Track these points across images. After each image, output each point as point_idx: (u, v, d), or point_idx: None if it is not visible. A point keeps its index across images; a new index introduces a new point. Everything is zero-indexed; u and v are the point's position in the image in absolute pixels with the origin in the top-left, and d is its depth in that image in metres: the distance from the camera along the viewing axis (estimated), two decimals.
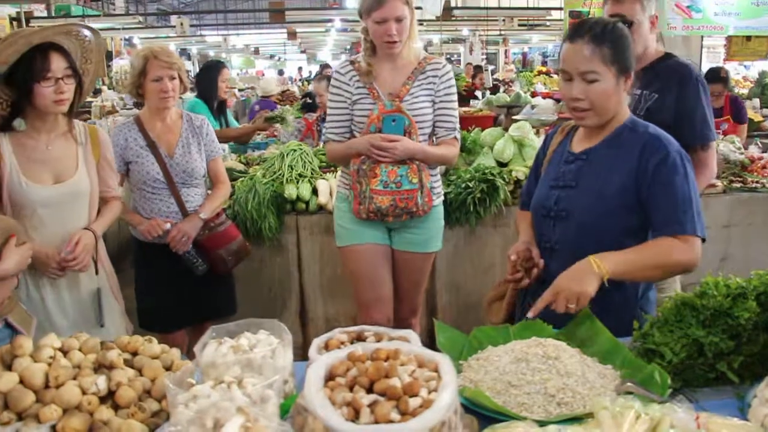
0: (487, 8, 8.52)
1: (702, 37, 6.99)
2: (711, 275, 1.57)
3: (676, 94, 2.44)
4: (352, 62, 2.62)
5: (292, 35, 15.92)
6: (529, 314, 1.64)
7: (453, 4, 12.53)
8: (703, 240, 1.72)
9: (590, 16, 5.81)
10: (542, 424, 1.24)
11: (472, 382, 1.43)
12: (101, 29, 12.44)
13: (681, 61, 2.60)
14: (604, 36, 1.72)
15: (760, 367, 1.46)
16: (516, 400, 1.33)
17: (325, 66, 12.87)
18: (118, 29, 13.06)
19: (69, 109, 2.20)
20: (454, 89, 2.64)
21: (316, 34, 18.51)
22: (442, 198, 2.78)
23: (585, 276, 1.63)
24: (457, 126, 2.66)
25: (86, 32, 2.23)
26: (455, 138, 2.65)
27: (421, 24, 12.54)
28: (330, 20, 13.98)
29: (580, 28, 1.76)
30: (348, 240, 2.67)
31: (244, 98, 11.22)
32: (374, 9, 2.43)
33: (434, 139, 2.70)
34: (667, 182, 1.72)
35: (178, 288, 2.85)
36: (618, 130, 1.82)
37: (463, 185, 3.40)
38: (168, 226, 2.74)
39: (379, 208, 2.51)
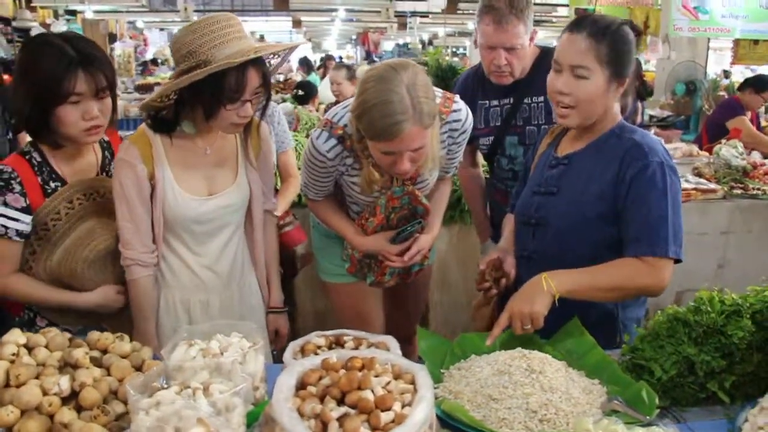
0: None
1: (709, 39, 6.92)
2: (707, 284, 1.51)
3: None
4: (340, 139, 1.90)
5: (297, 24, 15.84)
6: (487, 342, 1.55)
7: None
8: (678, 261, 1.61)
9: (595, 13, 5.74)
10: None
11: (452, 393, 1.37)
12: (104, 11, 12.38)
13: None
14: (604, 34, 1.61)
15: (752, 387, 1.40)
16: (496, 414, 1.28)
17: (328, 57, 12.78)
18: (122, 12, 12.95)
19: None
20: (469, 134, 2.08)
21: (322, 23, 18.40)
22: None
23: (535, 295, 1.55)
24: (458, 164, 2.23)
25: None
26: (452, 174, 2.26)
27: (426, 16, 12.46)
28: (334, 9, 13.87)
29: (583, 21, 1.66)
30: (331, 277, 2.29)
31: None
32: (378, 139, 1.73)
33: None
34: (642, 197, 1.60)
35: None
36: (605, 135, 1.71)
37: (458, 182, 3.33)
38: None
39: (382, 285, 2.19)
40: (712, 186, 3.57)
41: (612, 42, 1.62)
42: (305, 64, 11.98)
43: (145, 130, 1.82)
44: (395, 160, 1.76)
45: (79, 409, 1.26)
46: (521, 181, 2.02)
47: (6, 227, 1.71)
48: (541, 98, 2.36)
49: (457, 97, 2.00)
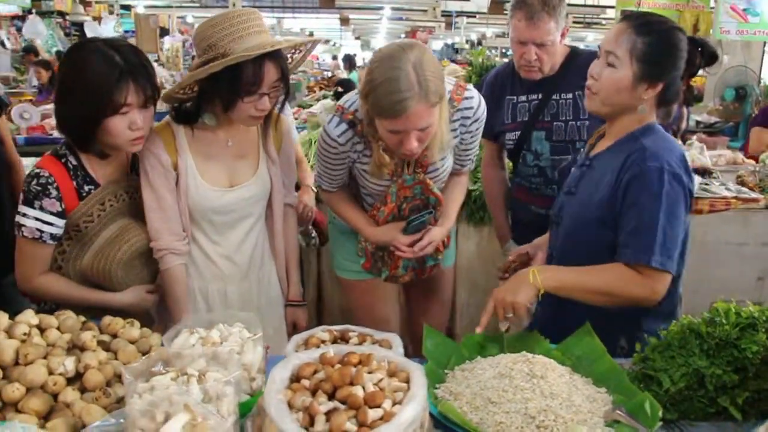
0: None
1: (765, 43, 6.66)
2: (746, 296, 1.47)
3: None
4: (351, 124, 1.89)
5: (344, 21, 15.89)
6: (477, 329, 1.58)
7: None
8: (677, 275, 1.57)
9: None
10: None
11: (452, 394, 1.36)
12: (155, 6, 12.65)
13: (592, 51, 2.54)
14: (647, 31, 1.58)
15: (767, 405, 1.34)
16: (494, 418, 1.25)
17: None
18: (174, 7, 13.23)
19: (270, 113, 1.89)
20: (483, 127, 2.06)
21: (370, 21, 18.43)
22: None
23: (519, 286, 1.58)
24: (474, 158, 2.17)
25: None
26: (468, 168, 2.20)
27: (473, 16, 12.35)
28: (381, 7, 13.85)
29: (634, 14, 1.67)
30: (346, 274, 2.27)
31: (294, 82, 11.27)
32: (385, 117, 1.71)
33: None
34: (634, 201, 1.57)
35: None
36: (624, 137, 1.67)
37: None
38: None
39: (396, 279, 2.18)
40: (754, 195, 3.43)
41: (652, 40, 1.58)
42: (348, 61, 12.00)
43: (169, 121, 1.86)
44: (402, 139, 1.74)
45: (84, 390, 1.29)
46: None
47: (41, 231, 1.73)
48: (570, 95, 2.36)
49: (470, 86, 1.98)
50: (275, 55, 1.71)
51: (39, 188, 1.72)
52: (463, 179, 2.20)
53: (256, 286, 2.01)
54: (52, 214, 1.73)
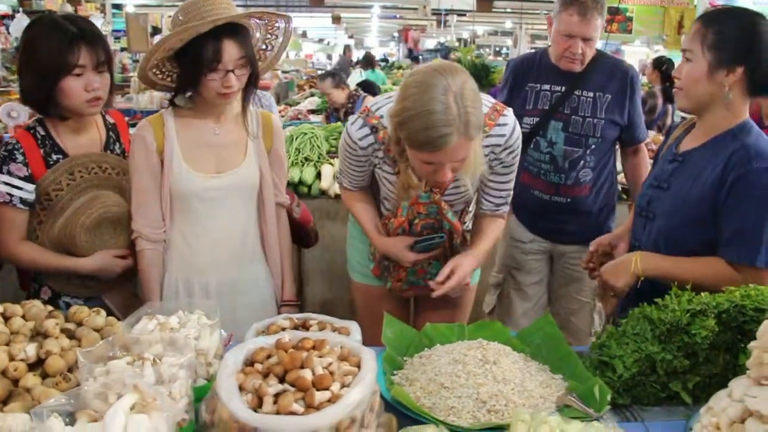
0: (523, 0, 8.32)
1: None
2: None
3: (628, 93, 2.51)
4: (373, 129, 1.82)
5: (336, 20, 15.93)
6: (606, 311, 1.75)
7: None
8: None
9: (628, 12, 5.62)
10: (461, 431, 1.19)
11: (408, 380, 1.38)
12: (146, 5, 12.65)
13: (616, 58, 2.73)
14: (713, 21, 1.63)
15: (718, 389, 1.36)
16: (446, 402, 1.28)
17: (367, 55, 12.72)
18: (166, 6, 13.23)
19: (243, 95, 1.93)
20: (518, 158, 1.90)
21: (361, 19, 18.46)
22: None
23: (621, 272, 1.70)
24: (510, 200, 2.00)
25: (279, 22, 1.95)
26: (504, 212, 2.01)
27: (463, 15, 12.36)
28: (370, 6, 13.86)
29: (707, 12, 1.72)
30: (357, 276, 2.18)
31: (287, 80, 11.27)
32: (423, 149, 1.59)
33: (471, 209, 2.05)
34: (739, 201, 1.56)
35: None
36: (722, 135, 1.65)
37: None
38: None
39: (400, 292, 2.07)
40: None
41: (720, 28, 1.61)
42: (366, 59, 11.48)
43: (162, 111, 1.95)
44: (436, 169, 1.64)
45: (45, 376, 1.31)
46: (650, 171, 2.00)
47: (11, 195, 1.83)
48: (591, 94, 2.50)
49: (508, 111, 1.85)
50: (234, 33, 1.77)
51: (6, 154, 1.83)
52: (501, 223, 2.01)
53: (244, 283, 2.01)
54: (19, 178, 1.83)
